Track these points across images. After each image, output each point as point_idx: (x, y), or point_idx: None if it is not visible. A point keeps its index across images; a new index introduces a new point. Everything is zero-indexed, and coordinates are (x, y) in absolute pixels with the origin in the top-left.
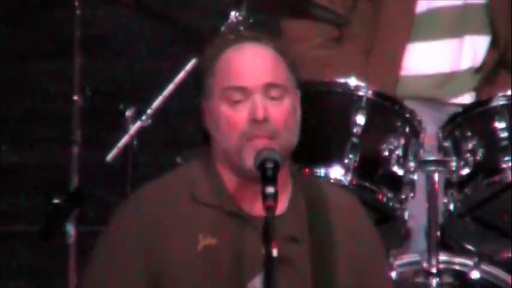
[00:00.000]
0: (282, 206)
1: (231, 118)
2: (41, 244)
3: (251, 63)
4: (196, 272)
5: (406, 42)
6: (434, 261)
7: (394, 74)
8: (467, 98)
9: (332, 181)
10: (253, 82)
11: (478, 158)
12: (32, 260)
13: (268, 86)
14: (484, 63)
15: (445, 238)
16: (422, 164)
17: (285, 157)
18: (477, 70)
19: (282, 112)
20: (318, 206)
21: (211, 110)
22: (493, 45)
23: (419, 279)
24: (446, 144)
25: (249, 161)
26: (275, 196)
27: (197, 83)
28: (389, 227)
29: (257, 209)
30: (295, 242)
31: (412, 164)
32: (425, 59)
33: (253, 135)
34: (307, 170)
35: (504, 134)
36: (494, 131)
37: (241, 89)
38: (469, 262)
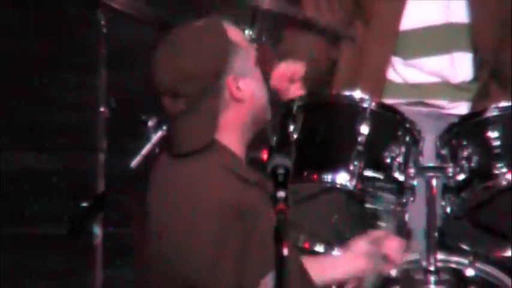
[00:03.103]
0: None
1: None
2: (69, 245)
3: None
4: None
5: (390, 56)
6: (432, 260)
7: (380, 85)
8: (464, 109)
9: (338, 186)
10: None
11: (473, 164)
12: (61, 261)
13: None
14: (477, 78)
15: (442, 239)
16: (421, 170)
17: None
18: (470, 83)
19: None
20: None
21: (245, 84)
22: (481, 62)
23: (419, 277)
24: (444, 151)
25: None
26: (286, 200)
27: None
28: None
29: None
30: None
31: (412, 171)
32: (418, 72)
33: None
34: (315, 176)
35: (497, 143)
36: (488, 139)
37: None
38: (465, 260)
